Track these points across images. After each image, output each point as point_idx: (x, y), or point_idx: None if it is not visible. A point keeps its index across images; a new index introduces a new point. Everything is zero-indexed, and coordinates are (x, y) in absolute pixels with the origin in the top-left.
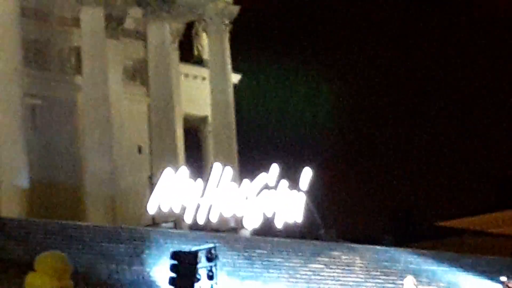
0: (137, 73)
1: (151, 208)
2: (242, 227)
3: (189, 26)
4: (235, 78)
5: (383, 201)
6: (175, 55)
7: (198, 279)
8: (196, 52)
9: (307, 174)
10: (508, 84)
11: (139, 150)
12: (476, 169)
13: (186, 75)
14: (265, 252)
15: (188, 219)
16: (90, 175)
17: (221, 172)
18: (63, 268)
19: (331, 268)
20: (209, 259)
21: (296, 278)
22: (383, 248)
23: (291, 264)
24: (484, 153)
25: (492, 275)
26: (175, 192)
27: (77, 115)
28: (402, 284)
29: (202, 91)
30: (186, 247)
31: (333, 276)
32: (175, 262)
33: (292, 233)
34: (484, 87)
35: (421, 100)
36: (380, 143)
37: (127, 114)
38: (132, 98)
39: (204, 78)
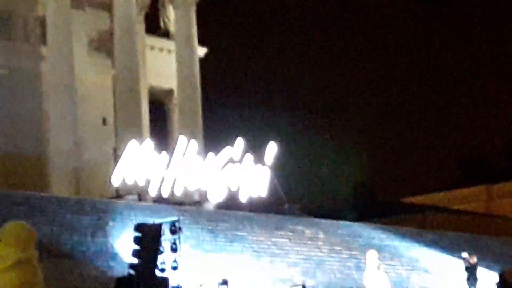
0: (103, 45)
1: (115, 180)
2: (207, 200)
3: None
4: (201, 51)
5: (347, 176)
6: (141, 27)
7: (162, 252)
8: (162, 25)
9: (272, 149)
10: (471, 63)
11: (104, 122)
12: (439, 146)
13: (152, 48)
14: (229, 225)
15: (152, 192)
16: (54, 146)
17: (186, 145)
18: (27, 238)
19: (295, 242)
20: (173, 231)
21: (260, 252)
22: (346, 223)
23: (254, 238)
24: (448, 131)
25: (454, 251)
26: (139, 164)
27: (41, 86)
28: (365, 259)
29: (168, 64)
30: (150, 220)
31: (297, 250)
32: (139, 234)
33: (256, 207)
34: (447, 67)
35: (386, 76)
36: (344, 118)
37: (92, 86)
38: (97, 70)
39: (170, 51)
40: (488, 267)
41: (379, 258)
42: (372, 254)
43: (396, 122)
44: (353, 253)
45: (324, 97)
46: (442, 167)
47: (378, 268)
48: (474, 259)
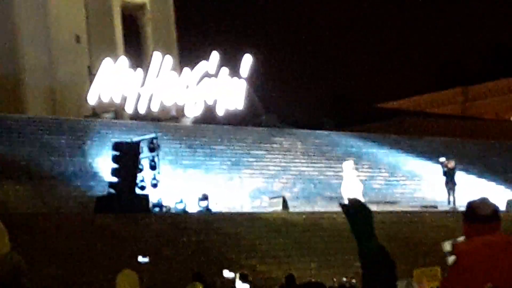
0: None
1: (91, 99)
2: (184, 115)
3: None
4: None
5: (324, 84)
6: None
7: (141, 170)
8: None
9: (247, 61)
10: None
11: (77, 39)
12: (415, 50)
13: None
14: (207, 140)
15: (129, 109)
16: (28, 66)
17: (161, 61)
18: None
19: (273, 154)
20: (151, 149)
21: (238, 165)
22: (324, 132)
23: (233, 151)
24: (423, 34)
25: (431, 156)
26: (115, 82)
27: (12, 5)
28: (342, 168)
29: None
30: (127, 137)
31: (275, 162)
32: (117, 153)
33: (233, 120)
34: None
35: None
36: (318, 26)
37: (64, 3)
38: None
39: None
40: (465, 170)
41: (355, 168)
42: (348, 164)
43: (370, 28)
44: (331, 162)
45: (301, 9)
46: (417, 71)
47: (355, 177)
48: (451, 164)
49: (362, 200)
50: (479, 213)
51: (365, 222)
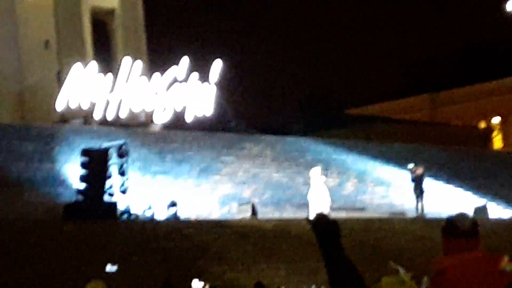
0: None
1: (60, 105)
2: (152, 121)
3: None
4: None
5: (292, 89)
6: None
7: (110, 176)
8: None
9: (217, 66)
10: None
11: (46, 44)
12: (382, 56)
13: None
14: (176, 146)
15: (97, 115)
16: None
17: (131, 67)
18: None
19: (242, 160)
20: (120, 155)
21: (207, 171)
22: (293, 138)
23: (202, 158)
24: (391, 38)
25: (399, 162)
26: (84, 88)
27: None
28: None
29: None
30: (96, 144)
31: (244, 168)
32: (86, 159)
33: (202, 126)
34: None
35: None
36: (287, 31)
37: (33, 8)
38: None
39: None
40: (433, 177)
41: (324, 174)
42: (315, 171)
43: (339, 32)
44: (300, 168)
45: (270, 14)
46: (386, 77)
47: (323, 184)
48: (420, 170)
49: (328, 207)
50: (459, 229)
51: (333, 238)
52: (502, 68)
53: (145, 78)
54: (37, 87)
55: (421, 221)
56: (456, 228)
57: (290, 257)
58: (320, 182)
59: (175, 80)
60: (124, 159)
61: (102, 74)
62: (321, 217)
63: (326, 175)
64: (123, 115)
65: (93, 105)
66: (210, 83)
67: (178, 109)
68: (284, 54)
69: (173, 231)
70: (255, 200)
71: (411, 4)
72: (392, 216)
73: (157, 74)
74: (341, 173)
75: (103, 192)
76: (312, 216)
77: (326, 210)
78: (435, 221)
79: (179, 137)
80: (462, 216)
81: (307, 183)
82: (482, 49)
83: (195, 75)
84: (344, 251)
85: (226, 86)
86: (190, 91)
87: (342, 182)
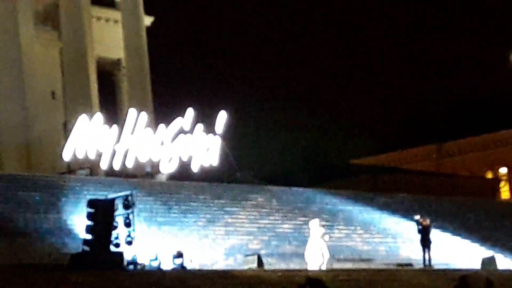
0: (49, 17)
1: (66, 155)
2: (158, 172)
3: None
4: (148, 20)
5: (297, 140)
6: None
7: (115, 227)
8: None
9: (222, 118)
10: (414, 21)
11: (53, 95)
12: (388, 106)
13: (98, 18)
14: (182, 196)
15: (104, 165)
16: (3, 122)
17: (136, 118)
18: None
19: (248, 211)
20: (126, 206)
21: (213, 222)
22: (299, 189)
23: (208, 208)
24: (395, 91)
25: (406, 213)
26: (90, 138)
27: None
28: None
29: (115, 34)
30: (102, 194)
31: (250, 219)
32: (92, 210)
33: (208, 176)
34: (391, 27)
35: (330, 39)
36: (293, 83)
37: (39, 59)
38: (44, 43)
39: (116, 21)
40: (441, 228)
41: (321, 225)
42: (314, 223)
43: (343, 82)
44: (307, 219)
45: (275, 66)
46: (391, 127)
47: (322, 236)
48: (427, 221)
49: (326, 260)
50: None
51: None
52: (509, 118)
53: (150, 129)
54: (43, 138)
55: (429, 272)
56: None
57: None
58: (318, 234)
59: (181, 131)
60: (130, 210)
61: (107, 125)
62: (314, 282)
63: (332, 226)
64: (129, 165)
65: (99, 156)
66: (215, 134)
67: (184, 159)
68: (289, 105)
69: (179, 282)
70: (261, 251)
71: (417, 54)
72: (399, 268)
73: (162, 126)
74: (347, 224)
75: (109, 243)
76: (310, 266)
77: (323, 263)
78: (443, 273)
79: (185, 188)
80: (475, 277)
81: None
82: (488, 99)
83: (200, 126)
84: None
85: (231, 137)
86: (195, 142)
87: (348, 233)
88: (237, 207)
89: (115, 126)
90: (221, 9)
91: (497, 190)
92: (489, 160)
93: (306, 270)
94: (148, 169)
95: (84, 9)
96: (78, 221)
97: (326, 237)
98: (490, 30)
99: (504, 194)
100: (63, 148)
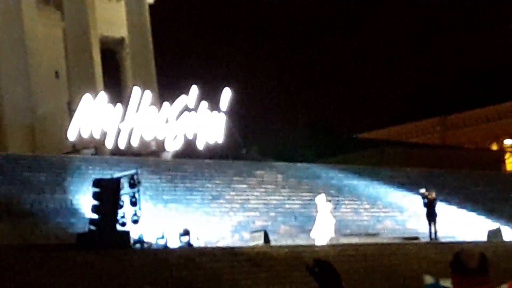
0: None
1: (71, 135)
2: (164, 150)
3: None
4: None
5: (303, 115)
6: None
7: (121, 206)
8: None
9: (226, 94)
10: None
11: (57, 75)
12: (392, 80)
13: None
14: (188, 174)
15: (109, 144)
16: (7, 103)
17: (141, 96)
18: None
19: (254, 188)
20: (132, 185)
21: (219, 199)
22: (304, 164)
23: (214, 186)
24: (400, 64)
25: (411, 187)
26: (94, 117)
27: None
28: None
29: (118, 12)
30: (108, 173)
31: (256, 196)
32: (98, 189)
33: (214, 153)
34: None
35: (338, 15)
36: (297, 58)
37: (42, 39)
38: (47, 23)
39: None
40: (446, 201)
41: (332, 200)
42: (320, 199)
43: (349, 57)
44: (313, 194)
45: (280, 41)
46: (396, 100)
47: (330, 211)
48: (432, 195)
49: (333, 235)
50: (467, 267)
51: (333, 284)
52: None
53: (154, 107)
54: (48, 118)
55: (435, 246)
56: (463, 266)
57: (303, 284)
58: (325, 209)
59: (185, 109)
60: (135, 189)
61: (112, 104)
62: (321, 262)
63: (338, 201)
64: (134, 144)
65: (104, 135)
66: (220, 111)
67: (189, 137)
68: (295, 80)
69: (186, 260)
70: (267, 228)
71: (422, 28)
72: (405, 241)
73: (166, 104)
74: (353, 199)
75: (116, 222)
76: (318, 242)
77: (330, 238)
78: (449, 245)
79: (191, 165)
80: (469, 253)
81: None
82: (492, 71)
83: (205, 103)
84: None
85: (235, 114)
86: (200, 120)
87: (354, 207)
88: (242, 183)
89: (119, 105)
90: None
91: (502, 162)
92: (493, 132)
93: (313, 246)
94: (153, 147)
95: None
96: (84, 201)
97: (330, 208)
98: (495, 2)
99: (509, 165)
100: (67, 127)
